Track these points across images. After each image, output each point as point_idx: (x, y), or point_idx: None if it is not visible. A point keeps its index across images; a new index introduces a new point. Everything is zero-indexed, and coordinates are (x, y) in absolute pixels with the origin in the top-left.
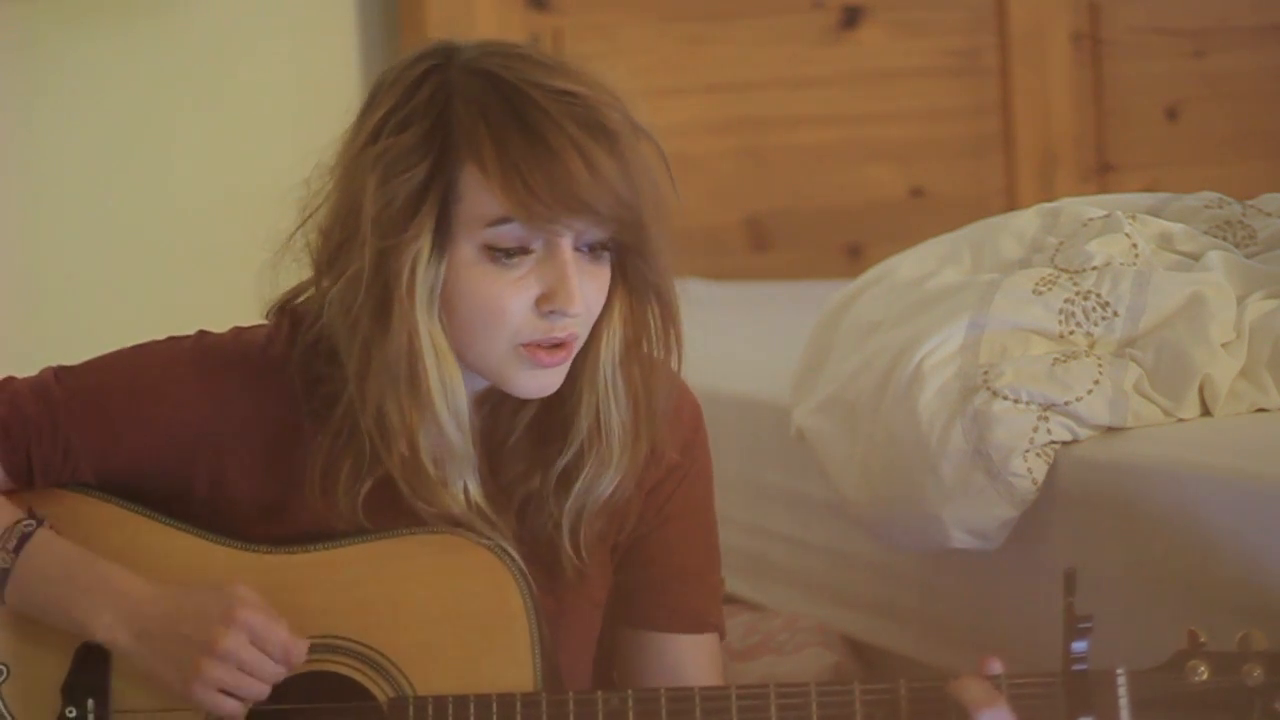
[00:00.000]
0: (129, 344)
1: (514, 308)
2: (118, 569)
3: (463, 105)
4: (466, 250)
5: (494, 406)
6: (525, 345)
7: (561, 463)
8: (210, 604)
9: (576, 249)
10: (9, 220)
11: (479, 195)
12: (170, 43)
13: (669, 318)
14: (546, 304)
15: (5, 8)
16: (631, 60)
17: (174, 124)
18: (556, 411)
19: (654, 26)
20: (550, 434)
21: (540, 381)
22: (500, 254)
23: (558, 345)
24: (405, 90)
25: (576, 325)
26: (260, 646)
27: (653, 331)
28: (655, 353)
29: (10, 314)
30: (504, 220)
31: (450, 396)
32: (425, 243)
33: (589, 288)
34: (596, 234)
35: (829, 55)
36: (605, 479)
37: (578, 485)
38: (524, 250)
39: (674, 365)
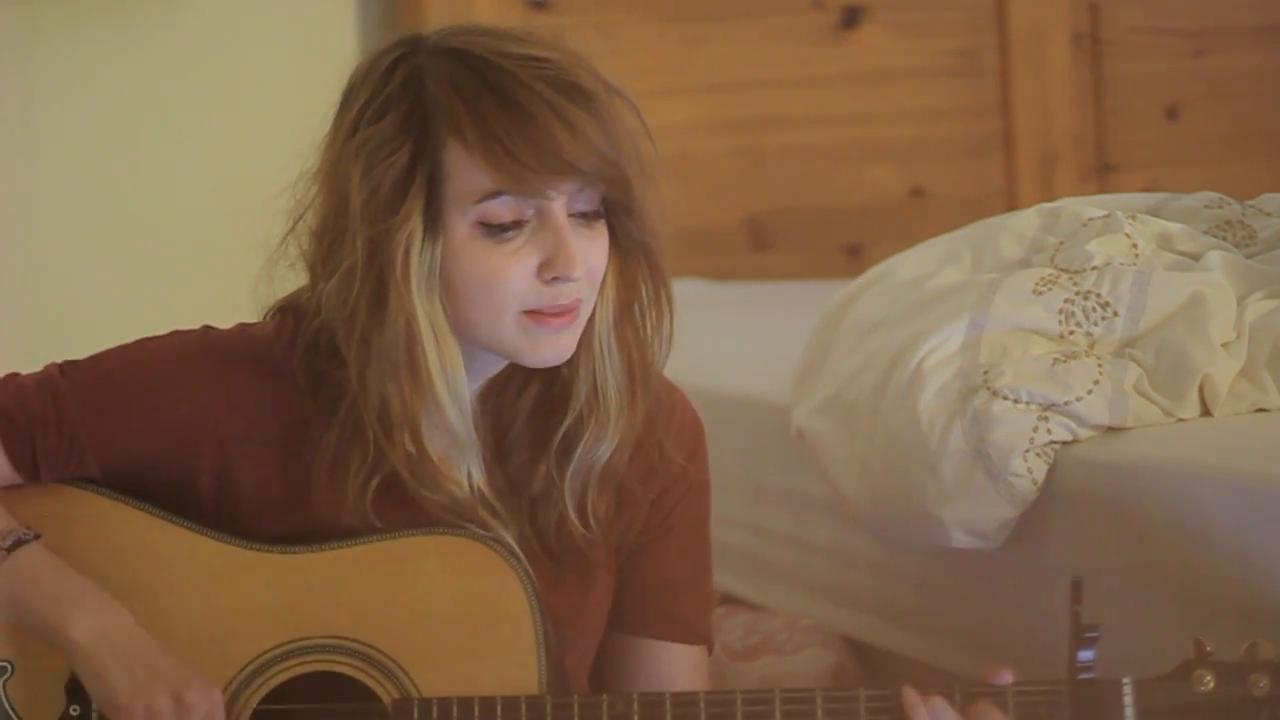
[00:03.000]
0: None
1: (514, 279)
2: (113, 599)
3: (436, 84)
4: (460, 229)
5: (498, 395)
6: (530, 312)
7: (562, 431)
8: (189, 670)
9: (570, 215)
10: (9, 220)
11: (465, 171)
12: (170, 42)
13: (659, 278)
14: (548, 271)
15: (5, 8)
16: (631, 60)
17: (174, 124)
18: (557, 388)
19: (654, 26)
20: (552, 412)
21: (554, 348)
22: (495, 229)
23: (564, 310)
24: (378, 80)
25: (580, 290)
26: None
27: (644, 293)
28: (648, 313)
29: (11, 313)
30: (493, 194)
31: (451, 380)
32: (417, 225)
33: (589, 251)
34: (586, 197)
35: (829, 55)
36: (604, 444)
37: (578, 451)
38: (518, 223)
39: (666, 327)
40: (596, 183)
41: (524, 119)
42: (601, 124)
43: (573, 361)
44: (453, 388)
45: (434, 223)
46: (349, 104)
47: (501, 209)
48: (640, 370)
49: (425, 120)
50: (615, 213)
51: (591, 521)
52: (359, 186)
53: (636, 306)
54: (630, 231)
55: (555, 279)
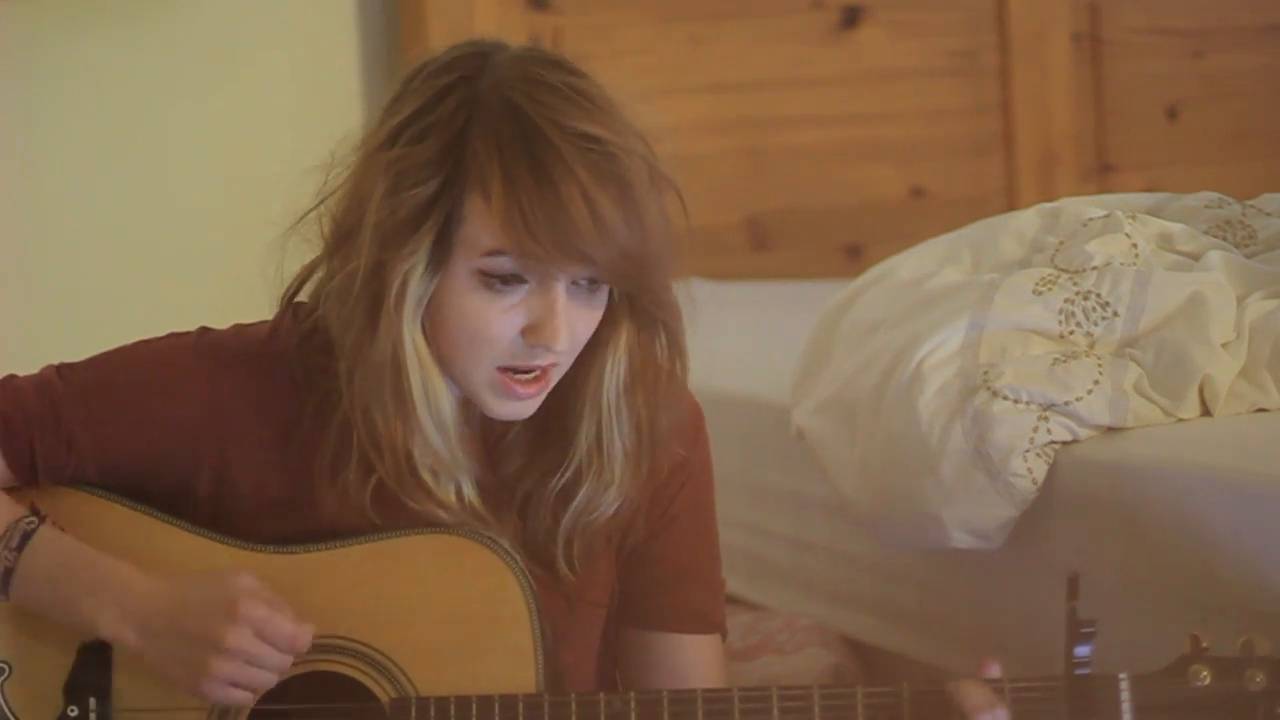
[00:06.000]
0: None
1: (499, 333)
2: (119, 564)
3: (480, 132)
4: (461, 272)
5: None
6: (501, 370)
7: (561, 480)
8: (214, 597)
9: (575, 283)
10: (9, 220)
11: (479, 225)
12: (170, 43)
13: (676, 350)
14: (532, 336)
15: (5, 8)
16: (631, 60)
17: (174, 124)
18: (555, 412)
19: (654, 26)
20: (549, 435)
21: (514, 408)
22: (495, 280)
23: (535, 378)
24: (430, 97)
25: (559, 358)
26: (266, 638)
27: (659, 360)
28: (661, 381)
29: (10, 314)
30: (499, 253)
31: (433, 406)
32: (421, 259)
33: (578, 321)
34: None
35: (829, 55)
36: (606, 499)
37: (575, 503)
38: (518, 280)
39: (679, 393)
40: (606, 273)
41: (552, 198)
42: (630, 217)
43: (576, 410)
44: (435, 413)
45: (438, 259)
46: (397, 107)
47: (503, 266)
48: (648, 434)
49: (459, 163)
50: (634, 290)
51: (577, 564)
52: (379, 204)
53: (650, 374)
54: (649, 308)
55: (536, 344)
